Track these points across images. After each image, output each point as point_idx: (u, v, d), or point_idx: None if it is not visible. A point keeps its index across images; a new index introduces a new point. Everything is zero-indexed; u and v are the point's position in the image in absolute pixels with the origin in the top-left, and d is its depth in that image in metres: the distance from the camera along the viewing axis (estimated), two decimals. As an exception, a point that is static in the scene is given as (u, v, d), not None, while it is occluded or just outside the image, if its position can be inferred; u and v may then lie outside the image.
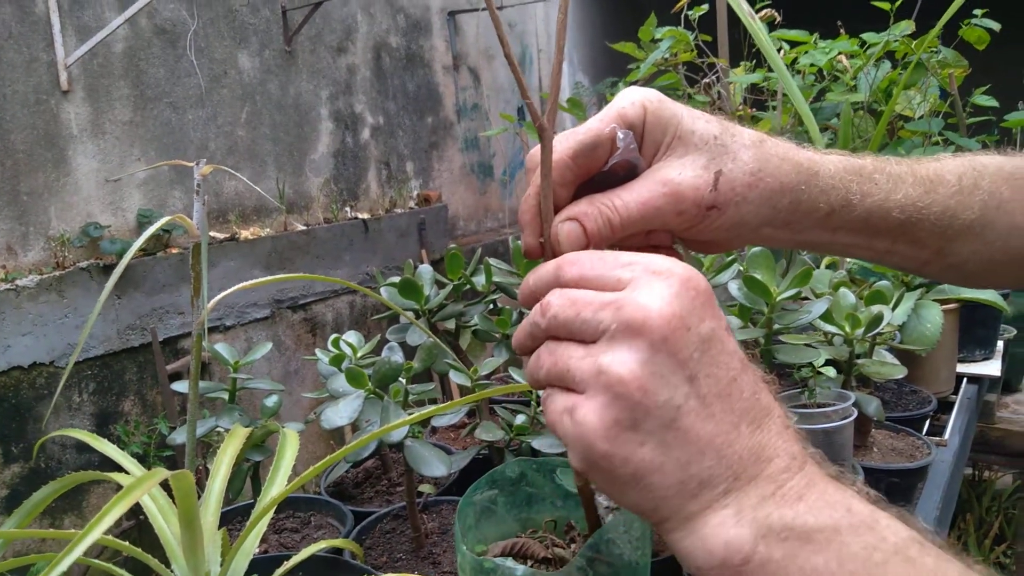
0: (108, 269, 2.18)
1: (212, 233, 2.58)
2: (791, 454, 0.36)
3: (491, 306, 1.15)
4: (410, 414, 0.82)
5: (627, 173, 0.44)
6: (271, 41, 2.82)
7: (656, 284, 0.36)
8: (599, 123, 0.44)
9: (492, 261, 1.19)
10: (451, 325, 1.21)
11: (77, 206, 2.23)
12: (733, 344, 0.36)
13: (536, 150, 0.45)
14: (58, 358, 2.09)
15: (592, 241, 0.44)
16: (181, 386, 0.87)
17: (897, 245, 0.51)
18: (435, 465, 0.79)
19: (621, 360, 0.35)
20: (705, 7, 2.12)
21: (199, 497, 0.60)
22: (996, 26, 2.03)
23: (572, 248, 0.43)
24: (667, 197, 0.43)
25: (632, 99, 0.44)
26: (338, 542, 0.73)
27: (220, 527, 0.66)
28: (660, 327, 0.35)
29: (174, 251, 2.39)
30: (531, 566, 0.50)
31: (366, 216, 3.17)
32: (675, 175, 0.43)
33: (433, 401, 1.22)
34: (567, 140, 0.44)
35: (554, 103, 0.47)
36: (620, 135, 0.43)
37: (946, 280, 0.59)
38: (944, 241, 0.51)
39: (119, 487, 0.50)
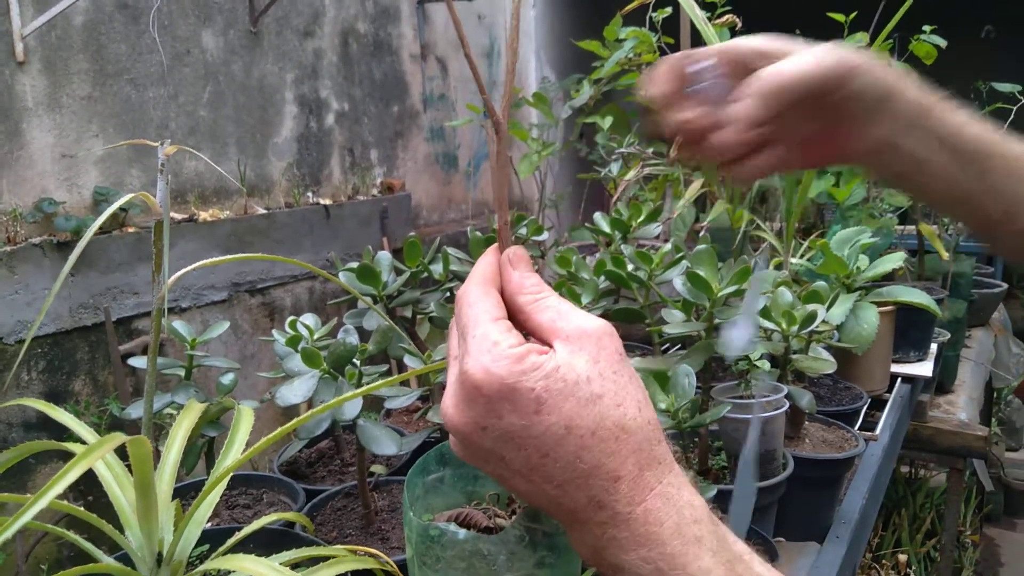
0: (62, 246, 2.15)
1: (171, 214, 2.55)
2: (616, 512, 0.41)
3: (448, 294, 1.18)
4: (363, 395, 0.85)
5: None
6: (236, 21, 2.79)
7: (451, 388, 0.43)
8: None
9: (450, 250, 1.22)
10: (408, 312, 1.23)
11: (31, 181, 2.19)
12: (543, 426, 0.40)
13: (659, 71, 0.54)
14: (7, 335, 2.05)
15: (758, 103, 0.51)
16: (139, 362, 0.89)
17: (978, 184, 0.56)
18: (386, 444, 0.82)
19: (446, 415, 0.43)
20: (668, 10, 2.17)
21: (154, 468, 0.62)
22: (943, 42, 2.12)
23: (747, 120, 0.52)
24: (814, 64, 0.51)
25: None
26: (289, 515, 0.76)
27: (173, 500, 0.68)
28: (457, 430, 0.42)
29: (130, 230, 2.37)
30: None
31: (328, 202, 3.16)
32: (810, 51, 0.52)
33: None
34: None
35: (507, 101, 0.50)
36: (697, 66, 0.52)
37: (1011, 249, 0.63)
38: (1015, 202, 0.57)
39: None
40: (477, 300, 0.44)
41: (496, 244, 0.48)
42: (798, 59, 0.51)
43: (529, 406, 0.40)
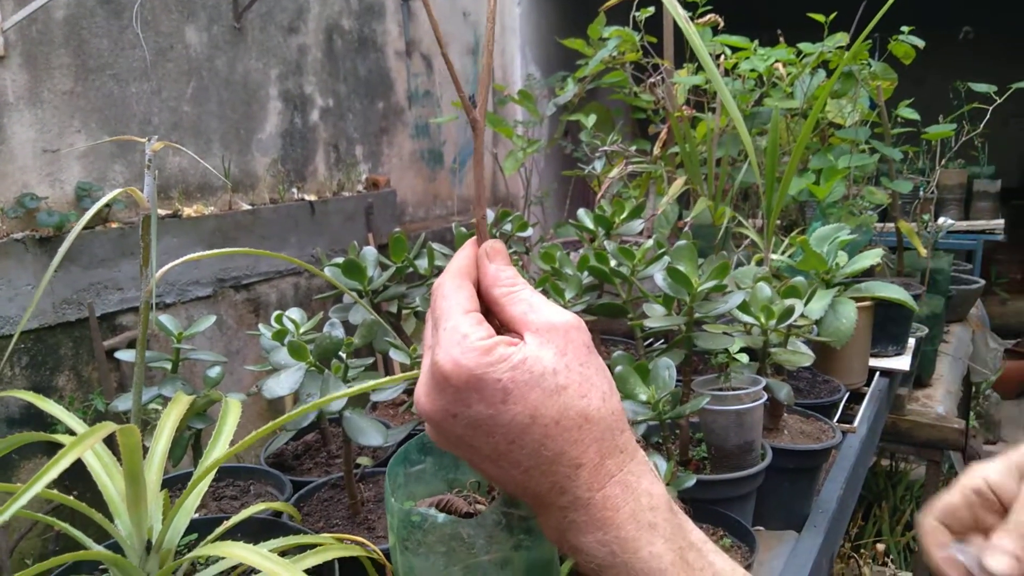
0: (44, 241, 2.14)
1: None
2: (578, 498, 0.42)
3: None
4: (349, 387, 0.86)
5: None
6: (220, 17, 2.78)
7: (424, 377, 0.44)
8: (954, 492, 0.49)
9: (435, 245, 1.24)
10: (394, 307, 1.24)
11: (12, 175, 2.17)
12: (509, 415, 0.42)
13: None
14: (-11, 330, 2.04)
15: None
16: (126, 355, 0.89)
17: None
18: (372, 435, 0.84)
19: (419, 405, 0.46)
20: (651, 9, 2.20)
21: (143, 457, 0.63)
22: (920, 43, 2.16)
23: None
24: None
25: (974, 470, 0.50)
26: (277, 505, 0.77)
27: (161, 490, 0.69)
28: (428, 417, 0.44)
29: (114, 226, 2.36)
30: (455, 520, 0.54)
31: (313, 198, 3.16)
32: None
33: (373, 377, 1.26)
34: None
35: (484, 98, 0.52)
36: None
37: None
38: None
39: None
40: (451, 292, 0.45)
41: (482, 246, 0.50)
42: None
43: (496, 396, 0.42)
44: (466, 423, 0.42)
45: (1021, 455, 0.49)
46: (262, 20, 2.96)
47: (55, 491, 0.57)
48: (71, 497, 0.59)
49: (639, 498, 0.42)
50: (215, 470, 0.69)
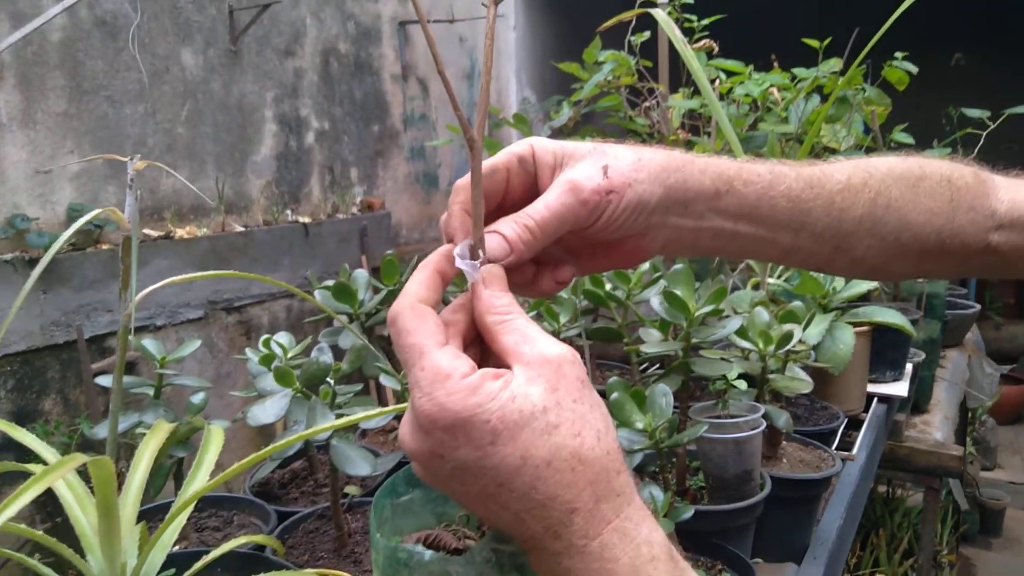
0: (34, 262, 2.11)
1: (146, 231, 2.52)
2: (571, 544, 0.40)
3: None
4: (337, 415, 0.83)
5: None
6: (216, 40, 2.79)
7: (409, 415, 0.42)
8: (497, 158, 0.50)
9: (428, 269, 1.21)
10: (386, 331, 1.22)
11: (3, 196, 2.15)
12: (498, 457, 0.39)
13: (464, 179, 0.49)
14: (-25, 353, 2.01)
15: (515, 248, 0.47)
16: (107, 380, 0.87)
17: (800, 239, 0.54)
18: (360, 465, 0.81)
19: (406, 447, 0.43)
20: (647, 34, 2.20)
21: (119, 489, 0.60)
22: (914, 69, 2.17)
23: (498, 256, 0.46)
24: (570, 192, 0.47)
25: (522, 142, 0.51)
26: (259, 538, 0.74)
27: (139, 522, 0.66)
28: (414, 456, 0.42)
29: (105, 247, 2.33)
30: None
31: (307, 220, 3.14)
32: (571, 175, 0.48)
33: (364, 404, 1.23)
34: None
35: (482, 118, 0.50)
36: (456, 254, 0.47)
37: (854, 275, 0.64)
38: (840, 237, 0.55)
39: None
40: (414, 327, 0.42)
41: (433, 261, 0.47)
42: (548, 198, 0.47)
43: (484, 438, 0.39)
44: (453, 465, 0.40)
45: (575, 147, 0.50)
46: (258, 43, 2.97)
47: (23, 525, 0.54)
48: (40, 532, 0.57)
49: (639, 547, 0.40)
50: (196, 501, 0.67)
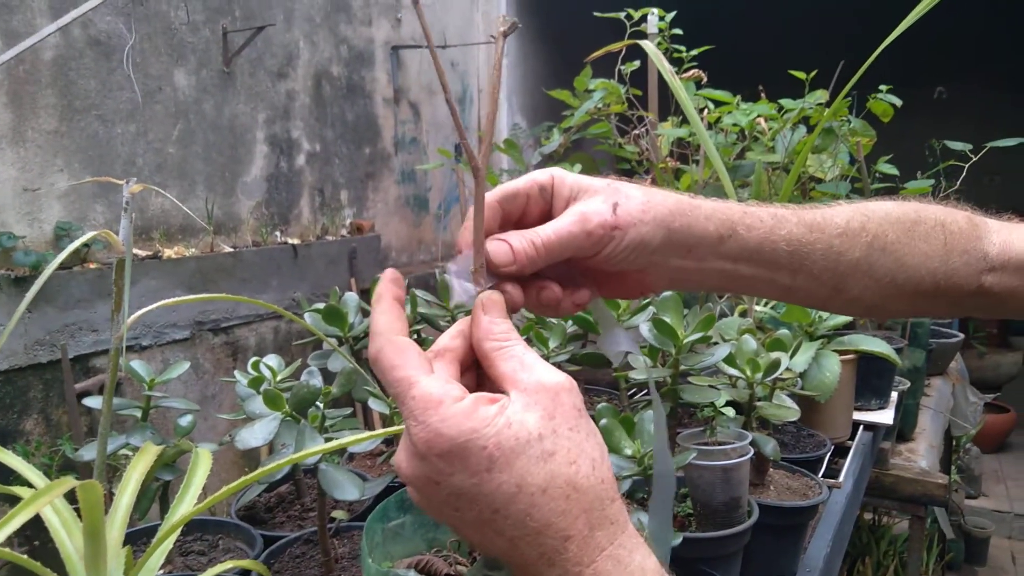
0: (20, 281, 2.10)
1: (135, 250, 2.51)
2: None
3: (415, 336, 1.17)
4: (326, 439, 0.83)
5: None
6: (209, 61, 2.80)
7: (404, 442, 0.42)
8: (518, 183, 0.52)
9: (418, 292, 1.22)
10: (374, 354, 1.22)
11: (-10, 214, 2.14)
12: (494, 484, 0.40)
13: (489, 197, 0.51)
14: (-44, 372, 1.98)
15: (518, 259, 0.49)
16: (94, 402, 0.86)
17: (797, 280, 0.57)
18: (348, 489, 0.80)
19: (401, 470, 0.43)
20: (636, 63, 2.24)
21: (105, 512, 0.60)
22: (898, 102, 2.21)
23: (502, 263, 0.48)
24: (578, 222, 0.50)
25: (543, 171, 0.54)
26: (245, 563, 0.73)
27: (125, 546, 0.65)
28: (410, 482, 0.42)
29: (92, 266, 2.32)
30: (433, 583, 0.52)
31: (296, 241, 3.14)
32: (582, 208, 0.51)
33: (353, 427, 1.23)
34: (496, 191, 0.52)
35: (488, 146, 0.51)
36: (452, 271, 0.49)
37: (851, 314, 0.67)
38: (837, 278, 0.57)
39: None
40: (400, 361, 0.43)
41: (386, 291, 0.48)
42: (558, 223, 0.50)
43: (481, 464, 0.40)
44: (449, 492, 0.41)
45: (591, 182, 0.52)
46: (252, 65, 2.99)
47: (7, 549, 0.53)
48: (24, 556, 0.56)
49: (632, 574, 0.40)
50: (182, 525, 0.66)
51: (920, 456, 2.20)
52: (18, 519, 0.42)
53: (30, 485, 0.65)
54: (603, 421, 0.92)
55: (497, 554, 0.42)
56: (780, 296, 0.59)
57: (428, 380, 0.42)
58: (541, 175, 0.53)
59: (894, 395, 1.98)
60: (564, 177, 0.52)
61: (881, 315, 0.67)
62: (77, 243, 0.60)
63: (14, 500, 0.56)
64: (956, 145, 2.36)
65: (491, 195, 0.51)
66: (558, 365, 1.29)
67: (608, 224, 0.50)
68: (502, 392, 0.43)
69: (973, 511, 4.01)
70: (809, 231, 0.56)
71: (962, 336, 2.85)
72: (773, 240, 0.55)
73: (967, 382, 3.24)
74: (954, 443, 3.59)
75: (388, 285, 0.48)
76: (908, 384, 2.11)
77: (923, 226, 0.61)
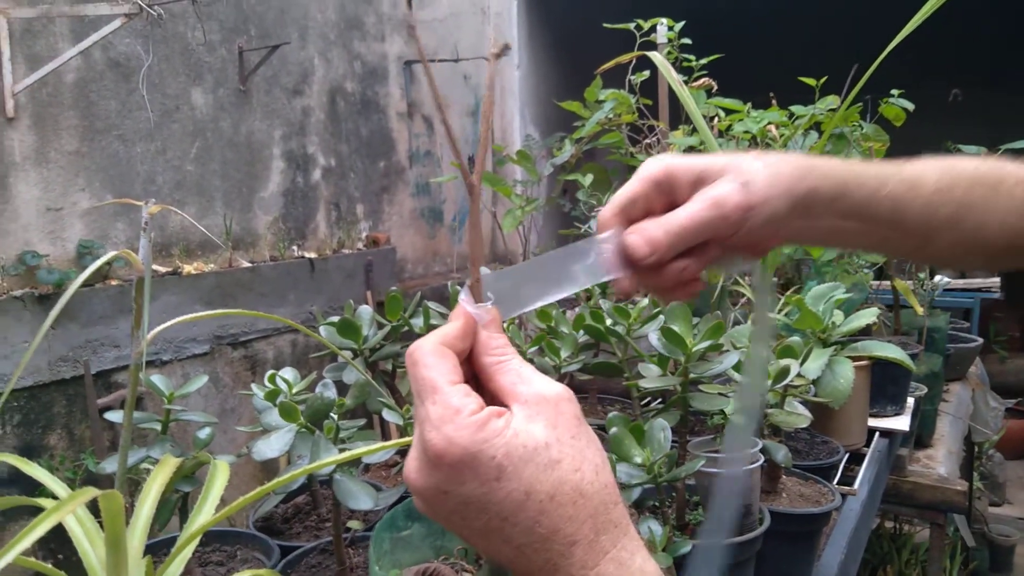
0: (43, 299, 2.15)
1: (154, 267, 2.56)
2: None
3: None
4: (340, 449, 0.85)
5: None
6: (226, 80, 2.86)
7: (415, 451, 0.43)
8: (632, 187, 0.54)
9: (430, 304, 1.24)
10: (389, 366, 1.24)
11: (15, 233, 2.19)
12: (503, 492, 0.41)
13: (622, 192, 0.54)
14: (-17, 388, 2.03)
15: (656, 249, 0.51)
16: (115, 416, 0.89)
17: (893, 233, 0.60)
18: (362, 499, 0.82)
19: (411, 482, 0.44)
20: (647, 73, 2.25)
21: (127, 523, 0.62)
22: (910, 106, 2.21)
23: (642, 255, 0.51)
24: (712, 207, 0.52)
25: (652, 164, 0.55)
26: (263, 573, 0.75)
27: (145, 556, 0.67)
28: (419, 492, 0.43)
29: (113, 283, 2.37)
30: (442, 590, 0.53)
31: (313, 255, 3.18)
32: (715, 192, 0.52)
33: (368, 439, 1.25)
34: (615, 203, 0.54)
35: (480, 164, 0.53)
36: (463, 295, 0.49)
37: (932, 263, 0.70)
38: (929, 231, 0.61)
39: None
40: (434, 362, 0.44)
41: (471, 319, 0.48)
42: (692, 209, 0.52)
43: (491, 473, 0.41)
44: (458, 501, 0.42)
45: (706, 161, 0.53)
46: (267, 83, 3.04)
47: (33, 559, 0.55)
48: (49, 565, 0.58)
49: None
50: (201, 535, 0.68)
51: (939, 463, 2.18)
52: (43, 526, 0.44)
53: (55, 497, 0.67)
54: (613, 430, 0.93)
55: (503, 560, 0.44)
56: (871, 247, 0.63)
57: (452, 389, 0.43)
58: (652, 170, 0.54)
59: (911, 401, 1.97)
60: (678, 164, 0.53)
61: (960, 267, 0.71)
62: (99, 263, 0.62)
63: (40, 512, 0.58)
64: (971, 149, 2.35)
65: (609, 210, 0.53)
66: (570, 375, 1.30)
67: (743, 206, 0.51)
68: (501, 404, 0.44)
69: (997, 519, 3.94)
70: (909, 188, 0.59)
71: (981, 341, 2.82)
72: (877, 199, 0.57)
73: (987, 387, 3.20)
74: (976, 449, 3.54)
75: (483, 317, 0.48)
76: (925, 390, 2.09)
77: (1006, 184, 0.63)
